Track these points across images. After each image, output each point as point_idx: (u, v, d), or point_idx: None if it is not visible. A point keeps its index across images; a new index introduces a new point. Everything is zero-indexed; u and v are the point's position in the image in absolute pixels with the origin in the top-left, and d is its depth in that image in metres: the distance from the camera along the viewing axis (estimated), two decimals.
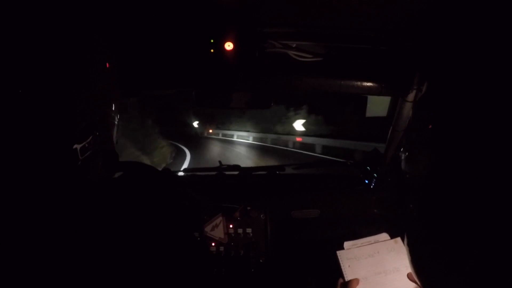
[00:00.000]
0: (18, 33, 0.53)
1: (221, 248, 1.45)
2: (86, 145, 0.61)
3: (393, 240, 1.12)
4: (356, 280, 0.98)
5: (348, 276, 1.03)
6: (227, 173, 1.83)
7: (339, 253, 1.09)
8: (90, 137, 0.61)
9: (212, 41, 1.20)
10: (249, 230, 1.49)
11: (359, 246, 1.11)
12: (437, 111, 0.59)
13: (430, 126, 0.59)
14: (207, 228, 1.46)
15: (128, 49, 1.23)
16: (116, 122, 0.73)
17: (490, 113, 0.48)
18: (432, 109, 0.61)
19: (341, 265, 1.06)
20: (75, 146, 0.59)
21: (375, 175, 1.71)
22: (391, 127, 1.52)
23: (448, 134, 0.53)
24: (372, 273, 1.04)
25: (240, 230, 1.49)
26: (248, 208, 1.51)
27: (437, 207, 0.54)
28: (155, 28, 1.19)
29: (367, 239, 1.13)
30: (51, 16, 0.56)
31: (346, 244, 1.12)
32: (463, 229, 0.49)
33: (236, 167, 1.86)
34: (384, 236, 1.14)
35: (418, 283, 0.69)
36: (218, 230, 1.47)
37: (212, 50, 1.20)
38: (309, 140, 14.04)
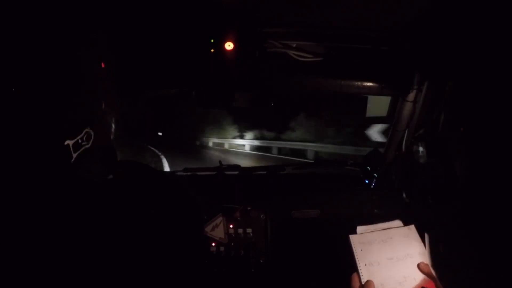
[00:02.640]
0: (12, 31, 0.53)
1: (221, 248, 1.45)
2: (79, 141, 0.60)
3: (406, 227, 1.11)
4: (372, 284, 0.97)
5: (360, 260, 1.03)
6: (227, 173, 1.83)
7: (352, 237, 1.08)
8: (83, 133, 0.60)
9: (212, 41, 1.20)
10: (249, 230, 1.49)
11: (372, 231, 1.10)
12: (467, 113, 0.58)
13: (462, 129, 0.58)
14: (207, 228, 1.46)
15: (128, 48, 1.23)
16: (113, 120, 0.73)
17: None
18: (462, 111, 0.61)
19: (354, 249, 1.05)
20: (66, 142, 0.58)
21: (375, 175, 1.71)
22: (391, 127, 1.52)
23: (481, 135, 0.52)
24: (384, 258, 1.03)
25: (240, 230, 1.49)
26: (248, 208, 1.51)
27: (471, 207, 0.54)
28: (155, 28, 1.19)
29: (379, 225, 1.12)
30: (47, 14, 0.56)
31: (359, 228, 1.10)
32: (500, 229, 0.49)
33: (236, 167, 1.86)
34: (397, 222, 1.13)
35: (434, 275, 0.68)
36: (218, 230, 1.47)
37: (212, 50, 1.20)
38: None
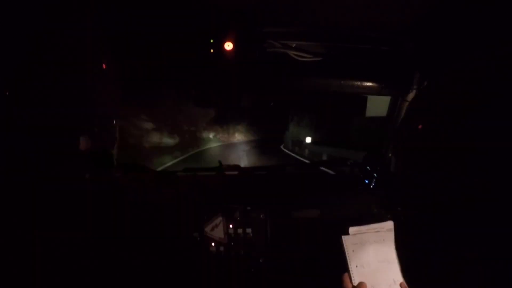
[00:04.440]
0: (14, 34, 0.52)
1: (221, 248, 1.45)
2: (75, 139, 0.59)
3: None
4: (365, 286, 0.97)
5: (351, 261, 1.02)
6: (227, 173, 1.83)
7: (344, 238, 1.07)
8: (80, 133, 0.60)
9: (212, 41, 1.20)
10: (249, 230, 1.49)
11: (364, 232, 1.10)
12: (430, 112, 0.58)
13: (420, 127, 0.58)
14: (207, 228, 1.45)
15: (128, 49, 1.23)
16: (115, 122, 0.73)
17: (486, 112, 0.48)
18: (424, 110, 0.61)
19: (345, 250, 1.05)
20: (63, 142, 0.58)
21: (375, 175, 1.71)
22: (391, 127, 1.52)
23: (442, 134, 0.53)
24: (375, 260, 1.04)
25: (240, 230, 1.49)
26: (248, 208, 1.51)
27: (427, 206, 0.54)
28: (155, 28, 1.19)
29: (372, 226, 1.11)
30: (47, 15, 0.56)
31: (352, 229, 1.10)
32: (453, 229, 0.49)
33: (236, 167, 1.86)
34: (389, 224, 1.13)
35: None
36: (218, 230, 1.47)
37: (212, 50, 1.20)
38: None
